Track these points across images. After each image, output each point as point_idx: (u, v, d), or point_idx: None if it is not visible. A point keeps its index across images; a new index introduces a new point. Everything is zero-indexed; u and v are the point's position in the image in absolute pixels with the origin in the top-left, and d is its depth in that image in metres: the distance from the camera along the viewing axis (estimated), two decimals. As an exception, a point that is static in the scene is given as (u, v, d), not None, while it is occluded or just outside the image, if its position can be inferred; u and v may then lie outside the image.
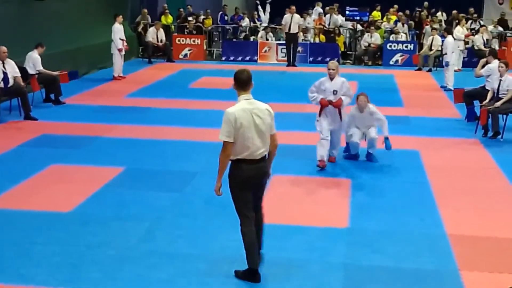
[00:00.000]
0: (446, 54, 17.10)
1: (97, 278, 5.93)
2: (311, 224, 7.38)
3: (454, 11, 23.86)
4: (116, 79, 17.59)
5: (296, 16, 20.63)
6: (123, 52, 17.64)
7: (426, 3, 25.84)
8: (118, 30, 17.39)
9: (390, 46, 21.83)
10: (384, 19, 24.81)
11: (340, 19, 24.66)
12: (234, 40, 24.12)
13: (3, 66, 12.40)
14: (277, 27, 23.30)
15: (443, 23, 23.84)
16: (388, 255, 6.56)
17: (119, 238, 6.87)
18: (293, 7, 20.54)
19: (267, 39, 22.56)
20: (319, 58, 21.65)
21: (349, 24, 24.66)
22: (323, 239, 6.93)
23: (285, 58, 21.36)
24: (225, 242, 6.76)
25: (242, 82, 5.79)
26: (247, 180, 5.77)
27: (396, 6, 25.68)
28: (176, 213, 7.68)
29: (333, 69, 9.45)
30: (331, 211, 7.84)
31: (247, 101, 5.78)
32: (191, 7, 25.21)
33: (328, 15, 24.34)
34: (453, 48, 17.32)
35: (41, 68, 13.90)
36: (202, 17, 24.50)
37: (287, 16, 20.57)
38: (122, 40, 17.57)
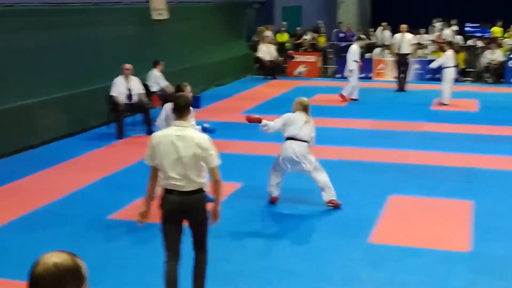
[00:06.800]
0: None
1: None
2: (432, 246, 7.18)
3: None
4: (343, 98, 17.33)
5: (408, 35, 19.13)
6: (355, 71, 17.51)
7: None
8: (355, 52, 17.41)
9: (513, 63, 20.94)
10: (506, 35, 23.87)
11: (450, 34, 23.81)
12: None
13: (128, 83, 12.93)
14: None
15: None
16: (514, 282, 6.27)
17: (236, 253, 6.95)
18: (404, 26, 19.06)
19: (382, 56, 22.26)
20: (437, 76, 21.07)
21: (457, 38, 23.85)
22: (444, 263, 6.71)
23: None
24: (342, 261, 6.69)
25: (175, 108, 5.48)
26: (168, 213, 5.43)
27: None
28: (293, 230, 7.69)
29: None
30: (453, 234, 7.59)
31: (177, 128, 5.39)
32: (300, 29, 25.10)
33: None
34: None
35: (166, 83, 14.33)
36: (310, 34, 24.40)
37: (397, 35, 19.28)
38: (356, 61, 17.43)
